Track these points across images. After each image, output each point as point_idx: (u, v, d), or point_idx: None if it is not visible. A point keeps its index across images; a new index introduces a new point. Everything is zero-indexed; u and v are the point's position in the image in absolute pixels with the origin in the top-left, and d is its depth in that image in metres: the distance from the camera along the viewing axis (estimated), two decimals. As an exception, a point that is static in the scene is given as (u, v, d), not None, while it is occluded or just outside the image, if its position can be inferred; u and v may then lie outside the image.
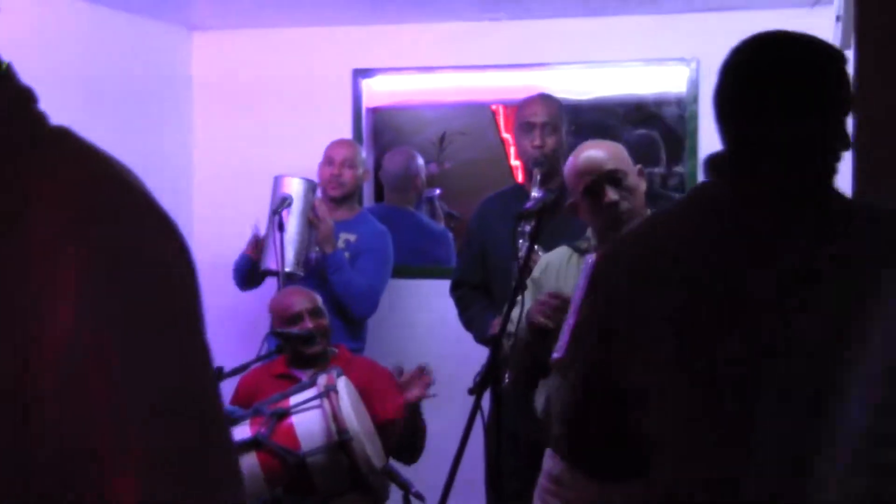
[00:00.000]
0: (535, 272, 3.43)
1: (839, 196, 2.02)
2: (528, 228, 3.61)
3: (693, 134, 5.47)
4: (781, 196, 1.99)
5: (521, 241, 3.86)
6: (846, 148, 2.07)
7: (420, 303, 5.61)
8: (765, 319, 1.93)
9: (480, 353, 4.09)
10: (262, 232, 4.96)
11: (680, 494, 1.98)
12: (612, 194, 3.31)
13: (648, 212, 3.41)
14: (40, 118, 1.16)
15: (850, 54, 3.08)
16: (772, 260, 1.94)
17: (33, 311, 1.01)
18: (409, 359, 4.81)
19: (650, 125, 6.02)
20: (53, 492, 1.00)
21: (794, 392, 1.90)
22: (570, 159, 3.46)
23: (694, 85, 5.45)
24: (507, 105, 6.35)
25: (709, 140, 5.38)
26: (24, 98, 1.16)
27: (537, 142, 4.46)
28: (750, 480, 1.90)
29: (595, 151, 3.37)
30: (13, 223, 1.04)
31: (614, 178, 3.32)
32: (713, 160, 2.09)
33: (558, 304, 3.27)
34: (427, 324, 5.55)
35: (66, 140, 1.13)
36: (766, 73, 2.05)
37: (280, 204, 4.77)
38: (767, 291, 1.93)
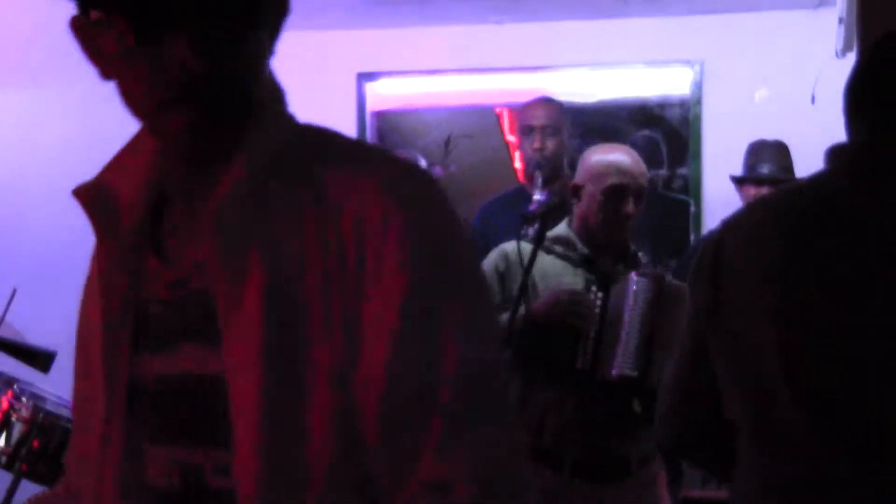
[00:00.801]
0: (503, 269, 3.45)
1: None
2: (531, 231, 3.60)
3: (697, 136, 5.47)
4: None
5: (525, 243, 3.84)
6: None
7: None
8: (864, 316, 1.92)
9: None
10: None
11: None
12: (631, 207, 3.32)
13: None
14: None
15: (852, 56, 3.09)
16: (882, 260, 1.93)
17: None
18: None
19: (654, 127, 6.01)
20: None
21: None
22: (599, 152, 3.46)
23: (698, 87, 5.45)
24: (512, 108, 6.33)
25: (713, 142, 5.40)
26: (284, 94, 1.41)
27: (538, 144, 4.46)
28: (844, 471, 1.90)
29: (628, 158, 3.39)
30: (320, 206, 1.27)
31: (639, 193, 3.34)
32: (836, 149, 2.08)
33: (577, 300, 3.26)
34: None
35: (332, 133, 1.41)
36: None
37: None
38: (870, 290, 1.92)
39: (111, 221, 1.38)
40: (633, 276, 3.27)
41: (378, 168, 1.31)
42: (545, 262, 3.45)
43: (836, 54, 3.61)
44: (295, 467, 1.25)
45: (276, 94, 1.39)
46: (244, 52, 1.29)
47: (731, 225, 2.18)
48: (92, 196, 1.39)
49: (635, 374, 3.19)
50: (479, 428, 1.24)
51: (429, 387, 1.23)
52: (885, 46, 2.08)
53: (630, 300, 3.23)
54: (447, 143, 7.45)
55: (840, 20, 3.50)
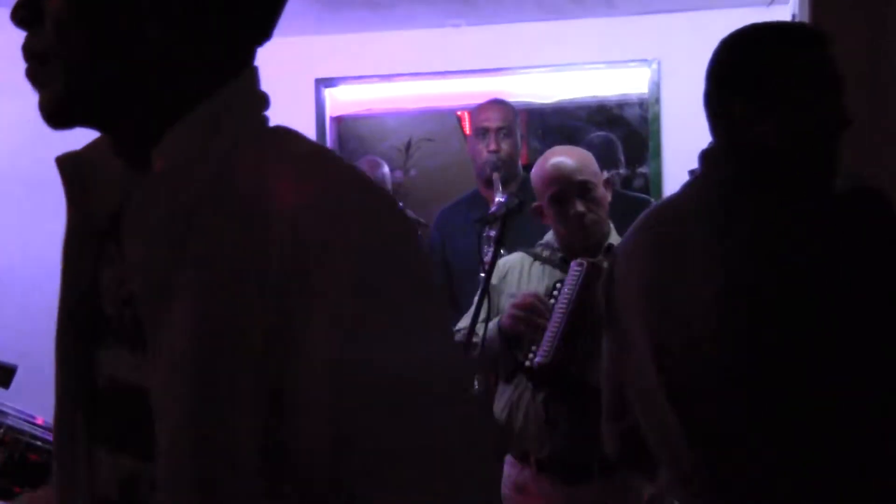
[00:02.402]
0: (494, 279, 3.41)
1: (820, 186, 2.03)
2: (492, 233, 3.60)
3: (656, 135, 5.49)
4: (768, 188, 2.01)
5: (485, 246, 3.85)
6: (845, 127, 2.06)
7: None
8: (727, 320, 1.94)
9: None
10: None
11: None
12: (579, 206, 3.29)
13: (612, 228, 3.41)
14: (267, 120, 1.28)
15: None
16: (767, 250, 1.96)
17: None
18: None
19: (613, 127, 6.04)
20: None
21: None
22: (539, 163, 3.45)
23: (655, 86, 5.48)
24: (472, 110, 6.36)
25: (672, 140, 5.43)
26: (263, 100, 1.28)
27: (493, 146, 4.45)
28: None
29: (565, 159, 3.35)
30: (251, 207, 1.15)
31: (583, 189, 3.31)
32: (704, 153, 2.11)
33: (532, 303, 3.25)
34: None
35: (294, 136, 1.25)
36: (745, 68, 2.10)
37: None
38: (747, 286, 1.95)
39: (83, 199, 1.30)
40: (573, 264, 3.27)
41: (318, 177, 1.18)
42: (512, 261, 3.47)
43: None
44: (218, 494, 1.15)
45: (231, 99, 1.25)
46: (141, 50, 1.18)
47: (624, 239, 2.24)
48: (72, 168, 1.30)
49: (549, 361, 3.15)
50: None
51: (369, 432, 1.10)
52: (731, 45, 2.10)
53: (565, 288, 3.24)
54: (408, 147, 7.47)
55: (793, 17, 3.53)
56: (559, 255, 3.40)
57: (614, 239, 3.39)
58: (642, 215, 2.24)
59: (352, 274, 1.10)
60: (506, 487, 3.42)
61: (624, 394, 2.18)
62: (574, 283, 3.20)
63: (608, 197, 3.40)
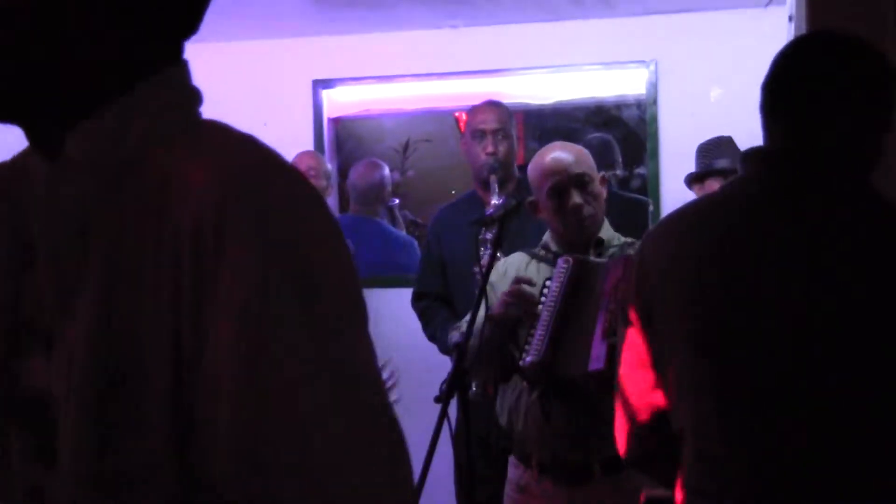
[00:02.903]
0: (493, 277, 3.40)
1: (871, 194, 2.02)
2: (489, 235, 3.59)
3: (654, 135, 5.49)
4: (812, 195, 2.00)
5: (482, 248, 3.84)
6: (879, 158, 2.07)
7: (387, 311, 5.58)
8: (784, 320, 1.94)
9: (447, 361, 4.09)
10: None
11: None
12: (576, 197, 3.28)
13: (606, 222, 3.41)
14: (196, 116, 1.24)
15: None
16: (795, 260, 1.95)
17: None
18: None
19: (611, 128, 6.04)
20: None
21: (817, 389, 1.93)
22: (536, 159, 3.45)
23: (653, 87, 5.48)
24: (468, 112, 6.37)
25: (670, 141, 5.43)
26: (191, 96, 1.24)
27: (490, 148, 4.44)
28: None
29: (562, 153, 3.36)
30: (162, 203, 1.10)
31: (580, 181, 3.30)
32: (751, 153, 2.10)
33: (522, 292, 3.24)
34: (394, 332, 5.53)
35: (216, 129, 1.21)
36: (810, 72, 2.06)
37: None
38: (789, 293, 1.94)
39: (9, 213, 1.24)
40: (560, 261, 3.26)
41: (232, 165, 1.13)
42: (511, 262, 3.47)
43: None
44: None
45: (151, 92, 1.20)
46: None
47: (653, 238, 2.22)
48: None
49: (539, 360, 3.13)
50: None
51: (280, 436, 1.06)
52: (800, 48, 2.10)
53: (553, 286, 3.23)
54: (405, 147, 7.47)
55: (790, 18, 3.52)
56: (553, 252, 3.40)
57: (605, 234, 3.39)
58: (678, 215, 2.23)
59: (258, 270, 1.06)
60: (509, 488, 3.43)
61: (643, 393, 2.16)
62: (561, 280, 3.19)
63: (604, 193, 3.39)
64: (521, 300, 3.23)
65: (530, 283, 3.27)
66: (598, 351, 3.04)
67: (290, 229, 1.09)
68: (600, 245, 3.35)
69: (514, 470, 3.41)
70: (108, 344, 1.09)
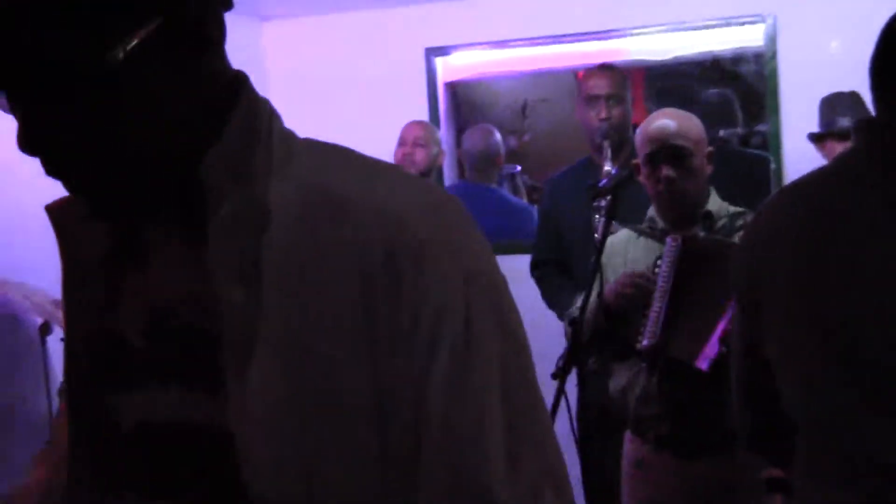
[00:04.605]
0: (603, 256, 3.38)
1: None
2: (603, 203, 3.55)
3: (774, 91, 5.35)
4: None
5: (596, 217, 3.81)
6: None
7: (508, 278, 5.57)
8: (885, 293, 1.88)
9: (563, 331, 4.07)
10: None
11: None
12: (667, 170, 3.23)
13: (713, 194, 3.33)
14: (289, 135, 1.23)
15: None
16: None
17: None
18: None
19: (729, 84, 5.91)
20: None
21: None
22: (643, 123, 3.40)
23: (772, 41, 5.34)
24: (581, 76, 6.27)
25: (790, 97, 5.29)
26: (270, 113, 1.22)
27: (603, 114, 4.40)
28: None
29: (666, 121, 3.29)
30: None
31: (677, 153, 3.23)
32: (862, 125, 2.04)
33: (637, 283, 3.22)
34: (516, 300, 5.52)
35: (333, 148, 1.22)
36: None
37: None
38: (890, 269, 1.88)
39: (84, 242, 1.24)
40: (668, 240, 3.20)
41: (408, 201, 1.15)
42: (618, 240, 3.43)
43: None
44: None
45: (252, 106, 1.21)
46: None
47: (764, 213, 2.15)
48: (61, 214, 1.25)
49: (654, 343, 3.13)
50: None
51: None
52: None
53: (663, 267, 3.17)
54: (524, 108, 7.41)
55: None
56: (659, 227, 3.34)
57: (713, 205, 3.31)
58: (787, 193, 2.18)
59: (462, 302, 1.11)
60: (626, 464, 3.41)
61: (760, 373, 2.12)
62: (671, 260, 3.15)
63: (708, 169, 3.31)
64: (635, 290, 3.20)
65: (643, 276, 3.22)
66: (711, 351, 3.00)
67: (477, 257, 1.16)
68: (709, 218, 3.29)
69: (630, 446, 3.39)
70: (307, 374, 1.10)
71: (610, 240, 3.43)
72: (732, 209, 3.33)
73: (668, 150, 3.22)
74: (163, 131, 1.10)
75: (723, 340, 2.98)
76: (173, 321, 1.17)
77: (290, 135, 1.22)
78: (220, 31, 1.16)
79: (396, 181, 1.18)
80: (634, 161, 3.37)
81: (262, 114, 1.19)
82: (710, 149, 3.34)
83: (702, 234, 3.24)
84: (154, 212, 1.18)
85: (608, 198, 3.33)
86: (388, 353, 1.10)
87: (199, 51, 1.12)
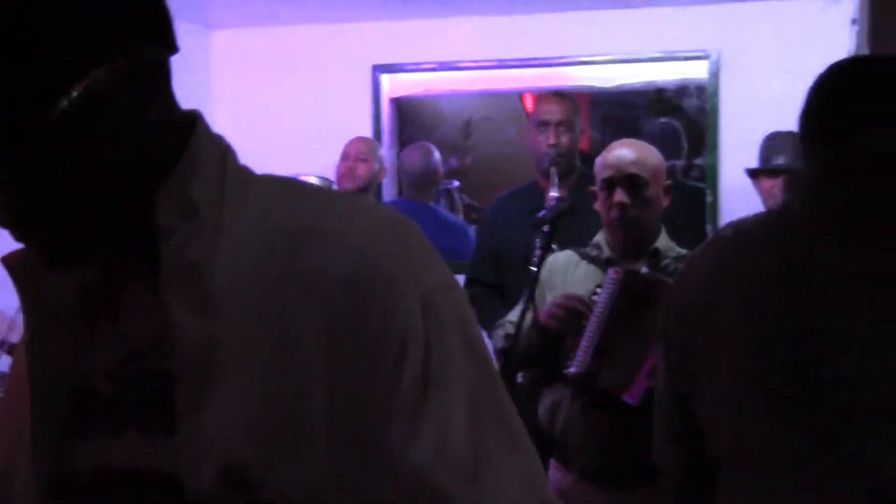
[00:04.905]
0: (542, 273, 3.40)
1: None
2: (543, 231, 3.58)
3: (714, 127, 5.43)
4: (858, 227, 1.95)
5: (537, 240, 3.83)
6: None
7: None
8: (833, 350, 1.92)
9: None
10: None
11: None
12: (620, 195, 3.26)
13: (663, 232, 3.35)
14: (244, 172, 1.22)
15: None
16: (845, 293, 1.92)
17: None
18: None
19: (671, 116, 5.98)
20: None
21: (869, 419, 1.89)
22: (604, 151, 3.41)
23: (715, 77, 5.41)
24: (534, 100, 6.30)
25: (730, 133, 5.37)
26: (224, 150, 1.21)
27: (552, 140, 4.43)
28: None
29: (624, 151, 3.32)
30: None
31: (631, 181, 3.26)
32: (793, 179, 2.06)
33: (572, 307, 3.23)
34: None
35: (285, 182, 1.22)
36: (858, 95, 2.01)
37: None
38: (838, 325, 1.91)
39: (47, 291, 1.21)
40: (610, 271, 3.22)
41: (366, 229, 1.15)
42: (561, 259, 3.45)
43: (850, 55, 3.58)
44: None
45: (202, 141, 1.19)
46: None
47: (695, 262, 2.19)
48: (21, 264, 1.20)
49: (582, 372, 3.11)
50: None
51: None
52: (834, 75, 2.04)
53: (602, 296, 3.19)
54: (467, 125, 7.42)
55: (853, 21, 3.47)
56: (605, 255, 3.37)
57: (661, 243, 3.34)
58: (718, 246, 2.21)
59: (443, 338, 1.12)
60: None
61: (684, 415, 2.14)
62: (609, 292, 3.15)
63: (663, 202, 3.35)
64: (570, 314, 3.21)
65: (581, 302, 3.24)
66: (639, 387, 3.02)
67: (437, 282, 1.16)
68: (655, 255, 3.31)
69: (554, 473, 3.40)
70: (266, 407, 1.09)
71: (552, 258, 3.45)
72: (679, 251, 3.35)
73: (623, 178, 3.25)
74: (111, 175, 1.10)
75: (650, 375, 3.00)
76: (138, 364, 1.16)
77: (244, 170, 1.22)
78: (167, 73, 1.16)
79: (353, 209, 1.18)
80: (591, 188, 3.40)
81: (214, 151, 1.19)
82: (668, 182, 3.37)
83: (644, 270, 3.27)
84: (110, 256, 1.17)
85: (547, 228, 3.36)
86: (349, 383, 1.09)
87: (147, 94, 1.12)
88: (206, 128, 1.20)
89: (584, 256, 3.41)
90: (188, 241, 1.12)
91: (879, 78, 2.02)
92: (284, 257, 1.11)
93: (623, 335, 3.11)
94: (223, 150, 1.20)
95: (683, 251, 3.33)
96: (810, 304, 1.94)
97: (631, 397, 3.04)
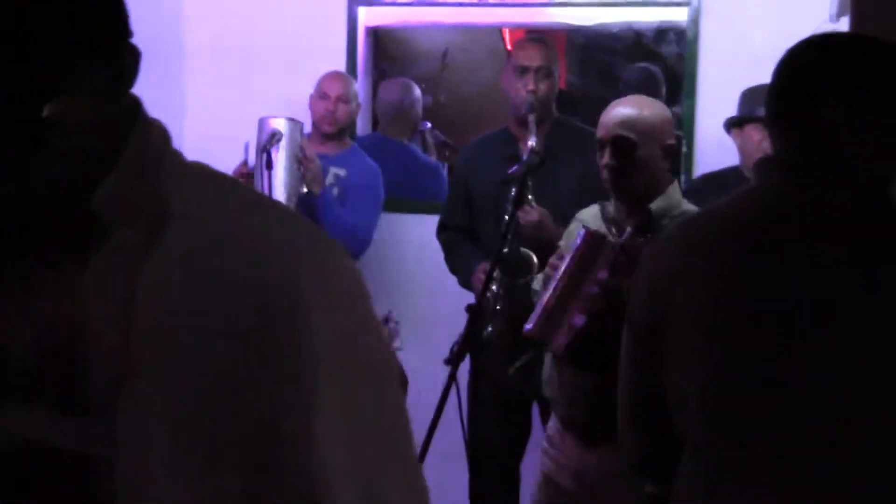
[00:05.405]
0: (571, 225, 3.40)
1: (891, 210, 1.97)
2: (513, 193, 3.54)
3: (692, 75, 5.36)
4: (830, 210, 1.93)
5: (508, 203, 3.80)
6: None
7: (410, 237, 5.56)
8: (792, 333, 1.90)
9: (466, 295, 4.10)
10: (252, 160, 4.87)
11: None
12: (607, 158, 3.23)
13: (670, 190, 3.29)
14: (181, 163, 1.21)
15: (846, 21, 3.01)
16: (811, 276, 1.91)
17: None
18: (398, 294, 4.80)
19: (649, 61, 5.91)
20: None
21: (821, 398, 1.89)
22: (608, 107, 3.39)
23: (694, 24, 5.33)
24: (513, 46, 6.19)
25: (708, 81, 5.30)
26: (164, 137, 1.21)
27: (531, 86, 4.39)
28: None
29: (618, 110, 3.28)
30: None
31: (619, 143, 3.22)
32: (765, 162, 2.04)
33: (550, 263, 3.22)
34: (417, 259, 5.51)
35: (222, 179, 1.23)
36: (831, 76, 1.98)
37: (269, 140, 4.66)
38: (800, 307, 1.90)
39: None
40: (579, 232, 3.20)
41: (288, 244, 1.17)
42: (588, 214, 3.47)
43: (830, 18, 3.53)
44: None
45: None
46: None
47: (666, 246, 2.16)
48: None
49: (533, 332, 3.13)
50: None
51: None
52: (798, 57, 2.01)
53: (566, 256, 3.17)
54: (444, 56, 7.35)
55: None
56: (612, 215, 3.35)
57: (659, 205, 3.26)
58: (688, 226, 2.21)
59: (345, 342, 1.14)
60: (545, 438, 3.48)
61: (651, 399, 2.13)
62: (572, 252, 3.13)
63: (661, 163, 3.28)
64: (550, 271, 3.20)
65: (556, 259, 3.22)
66: (561, 339, 3.02)
67: (353, 308, 1.19)
68: (647, 217, 3.26)
69: (550, 420, 3.45)
70: (174, 412, 1.10)
71: (580, 213, 3.44)
72: (681, 209, 3.28)
73: (610, 139, 3.21)
74: (62, 167, 1.11)
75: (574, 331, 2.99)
76: (51, 341, 1.15)
77: (180, 162, 1.21)
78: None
79: (280, 221, 1.19)
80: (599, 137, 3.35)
81: (155, 141, 1.18)
82: (670, 142, 3.30)
83: (618, 236, 3.21)
84: (43, 241, 1.17)
85: (516, 186, 3.33)
86: (255, 398, 1.10)
87: (115, 89, 1.13)
88: (146, 120, 1.19)
89: (603, 211, 3.38)
90: (121, 242, 1.12)
91: (845, 59, 1.99)
92: (206, 267, 1.12)
93: (574, 296, 3.08)
94: (161, 146, 1.19)
95: (690, 208, 3.26)
96: (781, 290, 1.92)
97: (529, 324, 3.05)
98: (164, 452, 1.10)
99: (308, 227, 1.21)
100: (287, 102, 5.31)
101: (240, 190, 1.23)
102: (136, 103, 1.19)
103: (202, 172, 1.22)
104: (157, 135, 1.19)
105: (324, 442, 1.11)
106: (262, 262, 1.12)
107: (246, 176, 4.80)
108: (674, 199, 3.28)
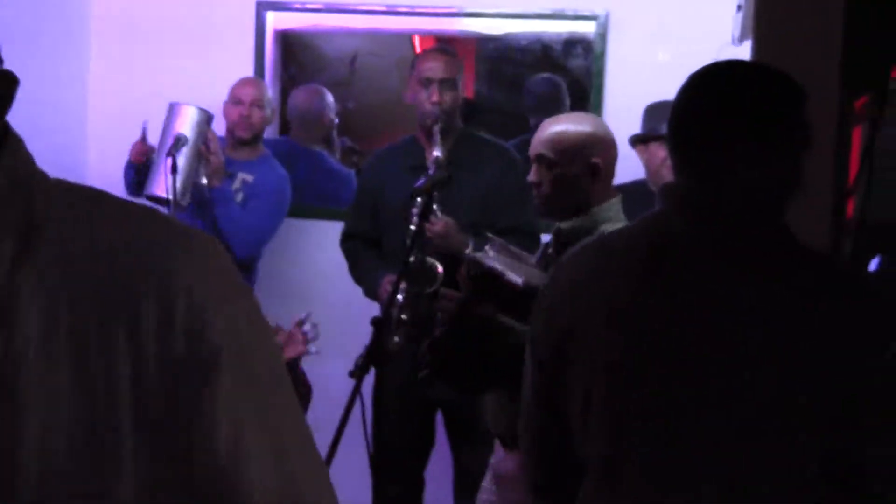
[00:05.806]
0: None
1: (788, 238, 2.02)
2: (418, 206, 3.55)
3: (599, 89, 5.42)
4: (727, 239, 1.99)
5: (413, 216, 3.82)
6: (798, 185, 2.05)
7: (318, 244, 5.55)
8: (694, 361, 1.94)
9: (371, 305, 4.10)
10: (150, 141, 4.88)
11: None
12: (532, 175, 3.25)
13: (603, 209, 3.21)
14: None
15: (748, 45, 3.07)
16: (710, 303, 1.96)
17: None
18: (303, 300, 4.79)
19: (557, 73, 5.95)
20: None
21: (727, 430, 1.94)
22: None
23: (602, 39, 5.39)
24: (417, 57, 6.21)
25: (614, 96, 5.36)
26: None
27: (435, 98, 4.41)
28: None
29: (545, 128, 3.28)
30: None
31: (539, 161, 3.23)
32: (667, 190, 2.07)
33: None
34: (323, 266, 5.50)
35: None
36: (727, 106, 2.03)
37: (174, 145, 4.63)
38: (702, 334, 1.95)
39: None
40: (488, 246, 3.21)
41: (175, 253, 1.16)
42: None
43: (733, 41, 3.59)
44: None
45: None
46: None
47: (567, 270, 2.19)
48: None
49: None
50: None
51: None
52: (697, 86, 2.06)
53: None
54: (353, 61, 7.33)
55: (738, 7, 3.47)
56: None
57: (571, 224, 3.21)
58: (596, 245, 2.24)
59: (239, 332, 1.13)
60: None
61: (553, 424, 2.15)
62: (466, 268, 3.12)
63: (582, 182, 3.21)
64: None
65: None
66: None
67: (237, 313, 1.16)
68: (557, 235, 3.25)
69: (499, 453, 3.44)
70: (83, 404, 1.08)
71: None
72: (598, 230, 3.12)
73: (534, 157, 3.23)
74: None
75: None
76: None
77: (46, 180, 1.19)
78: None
79: (153, 227, 1.18)
80: None
81: (25, 159, 1.17)
82: (595, 161, 3.20)
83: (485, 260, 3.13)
84: None
85: (421, 199, 3.34)
86: (154, 405, 1.09)
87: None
88: (15, 138, 1.18)
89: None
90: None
91: (740, 90, 2.05)
92: (83, 278, 1.11)
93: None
94: (31, 163, 1.18)
95: (608, 229, 3.06)
96: (678, 314, 1.96)
97: None
98: (62, 443, 1.07)
99: (182, 228, 1.20)
100: (190, 88, 5.30)
101: (107, 201, 1.21)
102: (5, 126, 1.17)
103: (70, 188, 1.20)
104: (26, 153, 1.18)
105: (229, 424, 1.11)
106: (142, 268, 1.11)
107: (143, 154, 4.82)
108: (595, 220, 3.18)
